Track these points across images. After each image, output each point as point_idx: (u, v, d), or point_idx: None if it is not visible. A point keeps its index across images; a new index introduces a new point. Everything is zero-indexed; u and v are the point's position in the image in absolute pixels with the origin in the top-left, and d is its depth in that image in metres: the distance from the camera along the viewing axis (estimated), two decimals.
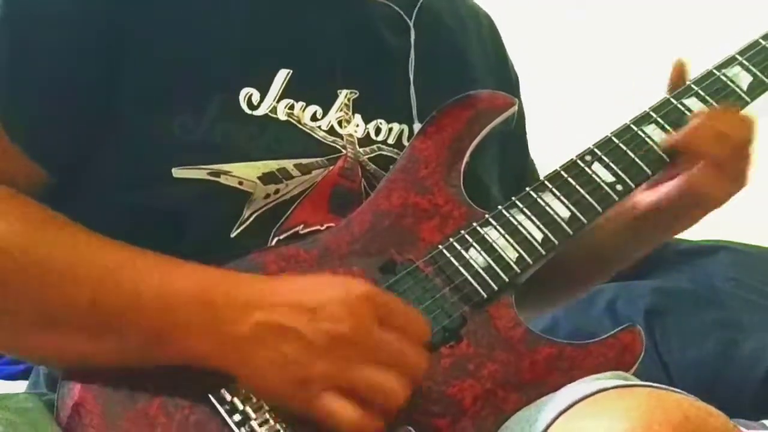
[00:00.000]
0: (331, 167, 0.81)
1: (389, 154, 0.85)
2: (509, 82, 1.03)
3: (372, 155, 0.84)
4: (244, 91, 0.78)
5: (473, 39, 0.99)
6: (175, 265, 0.72)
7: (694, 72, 0.91)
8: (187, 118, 0.76)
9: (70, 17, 0.76)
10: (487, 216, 0.80)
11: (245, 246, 0.77)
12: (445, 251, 0.78)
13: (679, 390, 0.64)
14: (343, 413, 0.66)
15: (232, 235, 0.77)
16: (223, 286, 0.70)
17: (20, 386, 0.90)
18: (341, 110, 0.83)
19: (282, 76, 0.80)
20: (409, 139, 0.86)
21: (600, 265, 1.03)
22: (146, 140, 0.76)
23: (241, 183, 0.77)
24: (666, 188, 0.87)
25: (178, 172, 0.76)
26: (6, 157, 0.75)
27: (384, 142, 0.85)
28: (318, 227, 0.80)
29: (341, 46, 0.84)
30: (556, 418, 0.63)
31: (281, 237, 0.78)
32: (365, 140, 0.84)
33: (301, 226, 0.79)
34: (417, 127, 0.87)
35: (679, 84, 0.89)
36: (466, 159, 0.85)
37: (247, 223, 0.78)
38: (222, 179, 0.76)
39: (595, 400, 0.63)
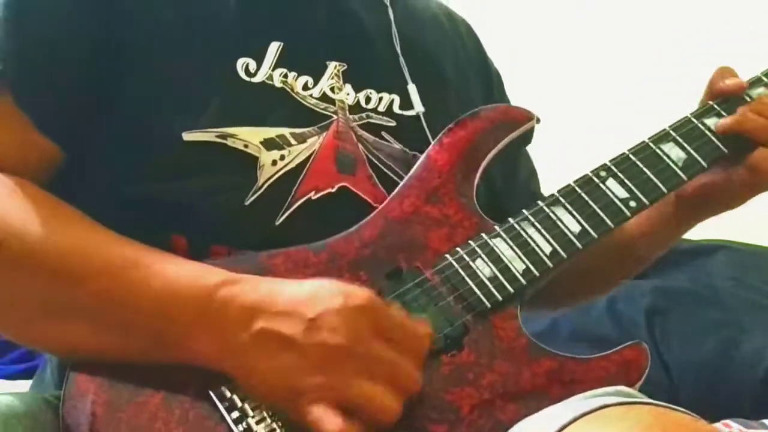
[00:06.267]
0: (325, 133, 0.83)
1: (379, 121, 0.88)
2: (489, 77, 1.05)
3: (361, 122, 0.86)
4: (241, 61, 0.82)
5: (449, 31, 1.02)
6: (182, 265, 0.73)
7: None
8: (190, 85, 0.79)
9: None
10: (497, 228, 0.81)
11: (259, 214, 0.78)
12: (452, 261, 0.78)
13: (681, 408, 0.64)
14: (327, 425, 0.66)
15: (246, 203, 0.79)
16: (227, 289, 0.70)
17: (20, 386, 0.91)
18: (332, 79, 0.86)
19: (275, 47, 0.84)
20: (400, 107, 0.89)
21: (627, 263, 1.05)
22: (155, 107, 0.78)
23: (246, 146, 0.80)
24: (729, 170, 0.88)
25: (187, 136, 0.78)
26: (17, 132, 0.77)
27: (374, 110, 0.88)
28: (330, 190, 0.81)
29: (328, 23, 0.88)
30: None
31: (296, 205, 0.80)
32: (355, 108, 0.87)
33: (313, 192, 0.81)
34: (411, 88, 0.90)
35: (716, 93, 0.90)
36: (480, 171, 0.85)
37: (262, 190, 0.79)
38: (229, 141, 0.79)
39: (596, 417, 0.63)
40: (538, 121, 0.89)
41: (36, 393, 0.81)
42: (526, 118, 0.89)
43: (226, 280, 0.71)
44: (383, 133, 0.87)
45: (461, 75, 0.99)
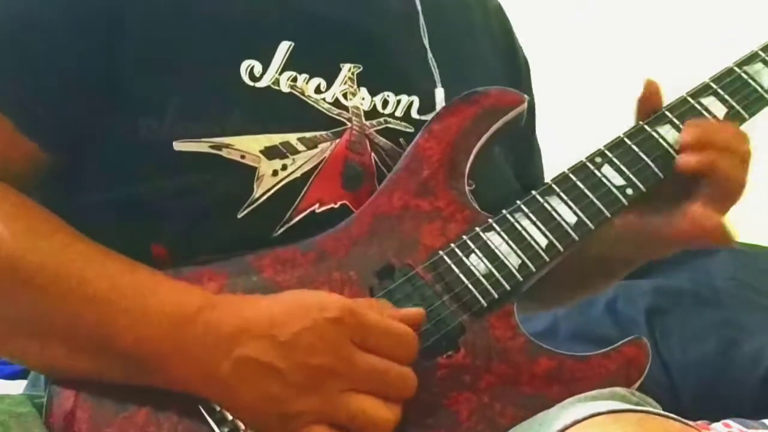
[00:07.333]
0: (338, 140, 0.79)
1: (397, 127, 0.83)
2: (518, 69, 1.00)
3: (379, 128, 0.82)
4: (246, 63, 0.77)
5: (478, 16, 0.97)
6: (161, 288, 0.70)
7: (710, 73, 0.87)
8: (187, 90, 0.76)
9: None
10: (490, 220, 0.78)
11: (253, 228, 0.75)
12: (445, 257, 0.75)
13: (672, 415, 0.62)
14: None
15: (239, 216, 0.75)
16: (206, 315, 0.68)
17: (20, 386, 0.90)
18: (345, 83, 0.81)
19: (284, 48, 0.78)
20: (418, 111, 0.84)
21: (609, 271, 1.00)
22: (146, 114, 0.75)
23: (243, 157, 0.75)
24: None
25: (179, 146, 0.75)
26: (0, 136, 0.75)
27: (391, 114, 0.83)
28: (333, 205, 0.78)
29: (344, 20, 0.83)
30: None
31: (298, 218, 0.76)
32: (372, 113, 0.81)
33: (317, 205, 0.77)
34: (439, 91, 0.85)
35: (649, 110, 0.85)
36: (471, 159, 0.81)
37: (258, 203, 0.76)
38: (224, 152, 0.75)
39: (583, 428, 0.61)
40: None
41: (28, 395, 0.80)
42: (517, 101, 0.85)
43: (205, 306, 0.68)
44: (401, 140, 0.82)
45: (489, 74, 0.93)
